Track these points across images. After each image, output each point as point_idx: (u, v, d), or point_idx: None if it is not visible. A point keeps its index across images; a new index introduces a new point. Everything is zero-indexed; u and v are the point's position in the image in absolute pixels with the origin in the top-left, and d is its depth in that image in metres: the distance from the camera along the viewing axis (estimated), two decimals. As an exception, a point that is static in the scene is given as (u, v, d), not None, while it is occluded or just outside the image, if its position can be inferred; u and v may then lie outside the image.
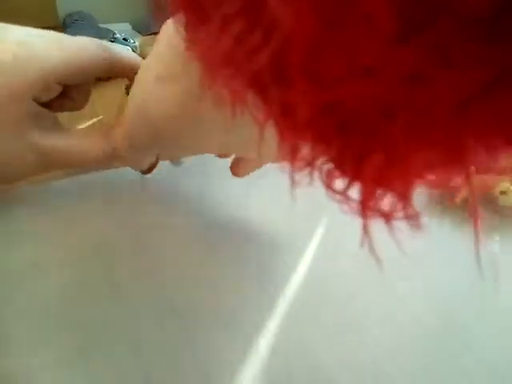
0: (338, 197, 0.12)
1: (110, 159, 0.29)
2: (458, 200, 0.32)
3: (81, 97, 0.31)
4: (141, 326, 0.23)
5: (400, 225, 0.12)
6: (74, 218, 0.30)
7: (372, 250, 0.12)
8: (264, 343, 0.22)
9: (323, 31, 0.09)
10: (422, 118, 0.09)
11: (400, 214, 0.11)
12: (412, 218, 0.11)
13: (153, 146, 0.25)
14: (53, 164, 0.29)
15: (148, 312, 0.24)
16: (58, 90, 0.28)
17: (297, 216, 0.32)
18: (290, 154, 0.12)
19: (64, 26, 0.97)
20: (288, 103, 0.11)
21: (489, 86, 0.09)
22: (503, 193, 0.30)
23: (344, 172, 0.11)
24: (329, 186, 0.12)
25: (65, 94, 0.29)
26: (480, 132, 0.10)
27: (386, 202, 0.11)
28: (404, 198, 0.11)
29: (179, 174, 0.31)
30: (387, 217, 0.11)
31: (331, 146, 0.11)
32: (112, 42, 0.56)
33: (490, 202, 0.32)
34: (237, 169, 0.29)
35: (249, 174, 0.30)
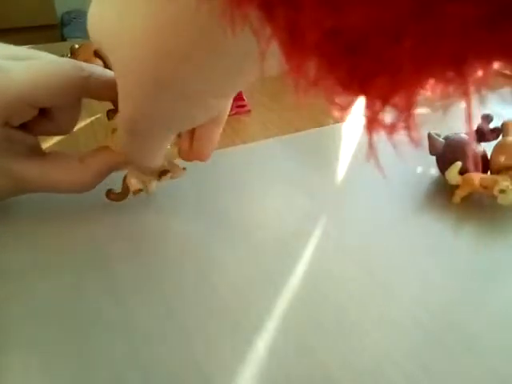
0: (341, 112, 0.13)
1: (94, 179, 0.29)
2: (457, 199, 0.32)
3: (65, 120, 0.30)
4: (140, 327, 0.23)
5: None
6: (74, 220, 0.30)
7: (378, 166, 0.12)
8: (263, 344, 0.22)
9: None
10: (428, 43, 0.10)
11: (402, 126, 0.12)
12: (412, 130, 0.12)
13: (159, 108, 0.22)
14: (26, 189, 0.29)
15: (147, 312, 0.24)
16: (32, 112, 0.27)
17: (296, 216, 0.32)
18: (295, 73, 0.12)
19: (62, 24, 0.97)
20: (296, 24, 0.11)
21: (493, 16, 0.09)
22: (502, 191, 0.30)
23: (350, 89, 0.12)
24: (332, 101, 0.12)
25: (47, 116, 0.29)
26: (482, 55, 0.10)
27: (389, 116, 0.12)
28: (407, 111, 0.12)
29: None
30: (391, 129, 0.12)
31: (338, 67, 0.12)
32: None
33: (488, 200, 0.32)
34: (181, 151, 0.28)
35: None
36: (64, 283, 0.26)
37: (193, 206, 0.32)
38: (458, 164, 0.32)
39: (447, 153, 0.34)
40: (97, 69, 0.28)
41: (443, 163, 0.34)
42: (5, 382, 0.21)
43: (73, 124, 0.31)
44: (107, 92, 0.28)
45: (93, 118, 0.45)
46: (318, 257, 0.28)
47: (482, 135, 0.35)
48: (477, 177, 0.31)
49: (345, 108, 0.12)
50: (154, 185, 0.31)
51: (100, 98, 0.29)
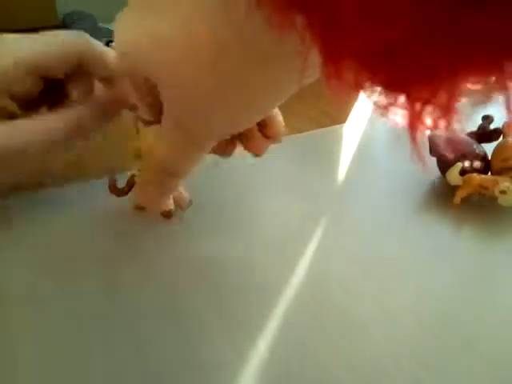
0: (384, 110, 0.13)
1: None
2: (458, 200, 0.32)
3: (78, 92, 0.29)
4: (141, 327, 0.23)
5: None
6: (75, 222, 0.30)
7: (424, 165, 0.14)
8: (264, 343, 0.22)
9: None
10: (462, 48, 0.11)
11: (443, 124, 0.13)
12: (453, 127, 0.13)
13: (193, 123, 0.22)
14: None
15: (148, 312, 0.24)
16: (36, 83, 0.27)
17: (297, 216, 0.32)
18: (335, 78, 0.13)
19: (64, 25, 0.97)
20: (336, 34, 0.12)
21: None
22: (503, 192, 0.30)
23: (391, 91, 0.13)
24: (376, 103, 0.13)
25: (59, 90, 0.28)
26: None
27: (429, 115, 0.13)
28: (448, 111, 0.12)
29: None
30: (432, 127, 0.13)
31: (378, 72, 0.12)
32: (111, 42, 0.56)
33: (489, 201, 0.32)
34: (252, 143, 0.28)
35: (267, 148, 0.28)
36: (64, 283, 0.26)
37: (194, 207, 0.32)
38: (459, 165, 0.32)
39: (448, 154, 0.34)
40: (100, 45, 0.28)
41: (444, 164, 0.34)
42: (7, 381, 0.21)
43: (87, 96, 0.30)
44: (102, 70, 0.28)
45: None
46: (318, 257, 0.28)
47: (482, 136, 0.35)
48: (477, 178, 0.31)
49: (386, 108, 0.13)
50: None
51: (95, 74, 0.29)
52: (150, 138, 0.27)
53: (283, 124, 0.28)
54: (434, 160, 0.35)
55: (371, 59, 0.12)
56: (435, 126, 0.13)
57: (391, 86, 0.12)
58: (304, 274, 0.27)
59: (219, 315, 0.24)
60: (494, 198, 0.31)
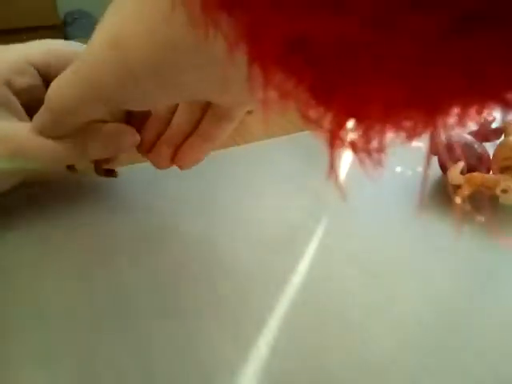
0: (312, 125, 0.12)
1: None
2: (459, 199, 0.32)
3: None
4: (141, 326, 0.23)
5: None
6: (75, 222, 0.30)
7: (338, 184, 0.12)
8: (264, 343, 0.22)
9: None
10: (388, 60, 0.10)
11: (367, 146, 0.11)
12: (377, 151, 0.11)
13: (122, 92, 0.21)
14: (18, 155, 0.26)
15: (148, 312, 0.24)
16: (36, 77, 0.27)
17: (298, 215, 0.32)
18: (263, 84, 0.11)
19: (65, 24, 0.97)
20: (255, 31, 0.10)
21: (452, 30, 0.09)
22: (504, 191, 0.30)
23: (318, 101, 0.11)
24: (304, 114, 0.12)
25: None
26: (443, 74, 0.10)
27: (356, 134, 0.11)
28: (371, 130, 0.11)
29: (180, 175, 0.31)
30: (354, 147, 0.11)
31: (302, 79, 0.11)
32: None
33: (490, 200, 0.32)
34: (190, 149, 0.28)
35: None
36: (66, 283, 0.26)
37: (194, 206, 0.32)
38: (460, 164, 0.32)
39: (449, 152, 0.33)
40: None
41: (445, 163, 0.34)
42: (6, 382, 0.21)
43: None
44: None
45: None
46: (319, 256, 0.28)
47: (484, 135, 0.35)
48: (479, 177, 0.31)
49: (315, 121, 0.12)
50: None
51: None
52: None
53: (226, 134, 0.27)
54: (435, 159, 0.35)
55: (295, 64, 0.10)
56: (356, 146, 0.12)
57: (316, 97, 0.11)
58: (304, 273, 0.27)
59: (219, 315, 0.24)
60: (495, 197, 0.31)
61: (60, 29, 2.08)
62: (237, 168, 0.37)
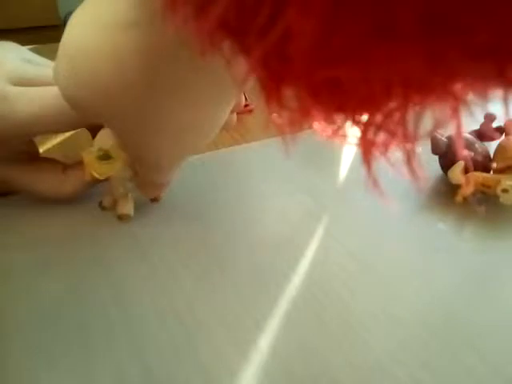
0: (332, 136, 0.13)
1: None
2: (460, 199, 0.32)
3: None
4: (141, 327, 0.23)
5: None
6: (76, 221, 0.30)
7: (381, 193, 0.13)
8: (265, 343, 0.22)
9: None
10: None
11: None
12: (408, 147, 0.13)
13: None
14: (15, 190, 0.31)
15: (148, 312, 0.24)
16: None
17: (299, 215, 0.32)
18: (275, 104, 0.12)
19: (65, 24, 0.97)
20: (282, 72, 0.11)
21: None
22: (505, 191, 0.30)
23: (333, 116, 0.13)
24: (319, 128, 0.13)
25: None
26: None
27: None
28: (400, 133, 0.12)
29: (180, 175, 0.31)
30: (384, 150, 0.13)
31: (326, 100, 0.12)
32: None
33: (491, 199, 0.32)
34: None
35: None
36: (66, 283, 0.26)
37: (194, 205, 0.32)
38: (461, 163, 0.32)
39: (450, 152, 0.33)
40: None
41: (446, 162, 0.34)
42: (6, 382, 0.21)
43: None
44: None
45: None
46: (320, 256, 0.28)
47: (484, 134, 0.35)
48: (479, 176, 0.31)
49: (334, 133, 0.13)
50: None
51: None
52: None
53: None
54: (435, 158, 0.35)
55: (318, 87, 0.11)
56: (386, 149, 0.12)
57: (339, 112, 0.12)
58: (305, 272, 0.27)
59: (220, 314, 0.24)
60: (496, 197, 0.31)
61: (60, 29, 2.08)
62: (237, 168, 0.37)
